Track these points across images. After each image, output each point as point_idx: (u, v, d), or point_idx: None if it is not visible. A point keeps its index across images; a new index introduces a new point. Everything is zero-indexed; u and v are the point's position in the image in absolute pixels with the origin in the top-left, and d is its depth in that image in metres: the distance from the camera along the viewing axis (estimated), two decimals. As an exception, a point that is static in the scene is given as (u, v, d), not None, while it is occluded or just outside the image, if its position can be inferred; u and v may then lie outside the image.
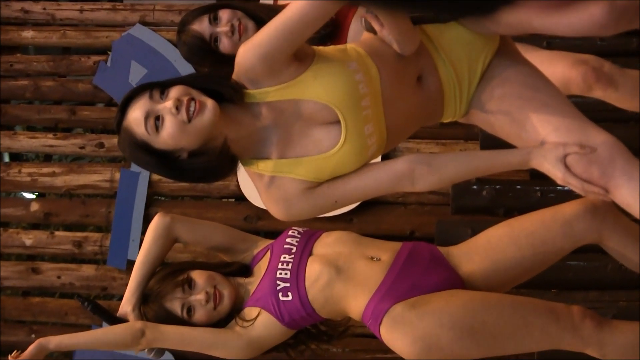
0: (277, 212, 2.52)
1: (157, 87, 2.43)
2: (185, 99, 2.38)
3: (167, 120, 2.38)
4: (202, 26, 3.10)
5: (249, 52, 2.39)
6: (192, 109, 2.37)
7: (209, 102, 2.38)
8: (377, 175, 2.52)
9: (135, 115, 2.42)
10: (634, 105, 3.12)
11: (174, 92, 2.41)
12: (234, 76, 2.46)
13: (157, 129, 2.39)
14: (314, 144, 2.47)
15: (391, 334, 2.83)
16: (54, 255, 5.17)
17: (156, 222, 3.05)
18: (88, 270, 5.02)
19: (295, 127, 2.48)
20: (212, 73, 2.53)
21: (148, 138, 2.40)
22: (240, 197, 4.89)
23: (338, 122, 2.45)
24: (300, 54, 2.42)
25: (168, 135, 2.38)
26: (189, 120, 2.38)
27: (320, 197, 2.50)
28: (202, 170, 2.45)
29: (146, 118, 2.40)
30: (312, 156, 2.47)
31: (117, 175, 5.06)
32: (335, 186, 2.51)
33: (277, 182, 2.49)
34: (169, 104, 2.39)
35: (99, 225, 5.18)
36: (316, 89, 2.43)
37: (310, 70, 2.43)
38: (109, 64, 5.28)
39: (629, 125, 4.32)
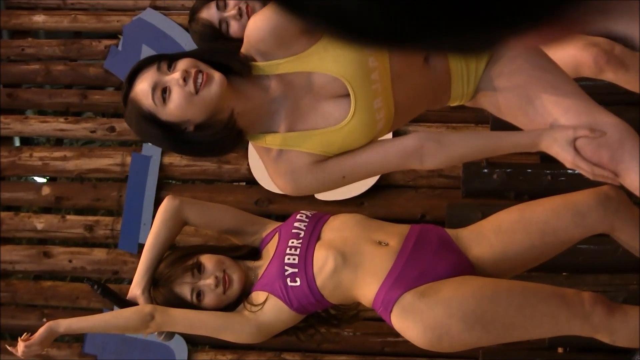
0: (284, 186, 2.51)
1: (165, 59, 2.43)
2: (193, 71, 2.38)
3: (174, 92, 2.39)
4: (210, 13, 3.11)
5: (259, 23, 2.38)
6: (199, 80, 2.38)
7: (217, 75, 2.38)
8: (386, 151, 2.51)
9: (143, 87, 2.42)
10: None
11: (182, 64, 2.41)
12: (243, 49, 2.46)
13: (164, 100, 2.39)
14: (323, 117, 2.46)
15: (402, 323, 2.82)
16: (65, 239, 5.18)
17: (165, 205, 3.05)
18: (99, 254, 5.03)
19: (304, 100, 2.47)
20: (220, 46, 2.53)
21: (155, 109, 2.40)
22: (252, 181, 4.89)
23: (347, 95, 2.45)
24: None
25: (175, 107, 2.39)
26: (196, 91, 2.38)
27: (328, 171, 2.49)
28: (208, 143, 2.44)
29: (153, 89, 2.40)
30: (321, 129, 2.46)
31: (128, 159, 5.06)
32: (343, 161, 2.50)
33: (284, 155, 2.48)
34: (176, 75, 2.39)
35: (110, 209, 5.19)
36: (326, 61, 2.42)
37: (321, 42, 2.43)
38: (120, 48, 5.27)
39: (639, 108, 4.29)
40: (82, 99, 5.32)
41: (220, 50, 2.51)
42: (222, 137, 2.44)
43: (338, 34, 0.76)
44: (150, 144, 4.86)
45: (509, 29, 0.73)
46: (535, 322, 2.78)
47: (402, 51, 2.23)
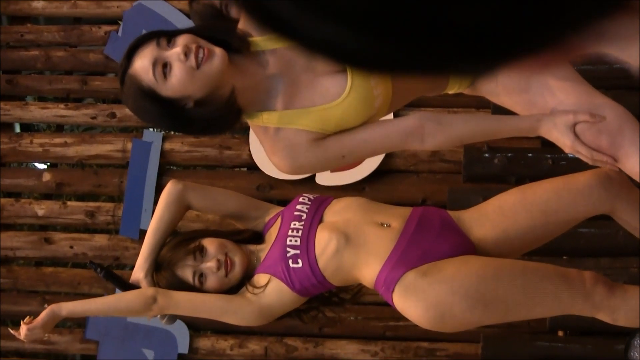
0: (282, 164, 2.50)
1: (164, 35, 2.43)
2: (193, 46, 2.37)
3: (175, 67, 2.38)
4: None
5: None
6: (200, 55, 2.37)
7: (218, 50, 2.38)
8: (386, 131, 2.51)
9: (142, 63, 2.41)
10: None
11: (182, 39, 2.40)
12: (241, 25, 2.45)
13: (165, 75, 2.39)
14: (320, 94, 2.46)
15: (404, 302, 2.82)
16: (67, 225, 5.18)
17: (169, 189, 3.04)
18: (100, 240, 5.03)
19: (301, 77, 2.47)
20: (218, 23, 2.52)
21: (155, 85, 2.39)
22: (253, 167, 4.88)
23: (344, 70, 2.44)
24: None
25: (177, 81, 2.38)
26: (198, 66, 2.37)
27: (327, 150, 2.48)
28: (208, 120, 2.43)
29: (154, 65, 2.39)
30: (318, 106, 2.46)
31: (129, 145, 5.05)
32: (343, 140, 2.49)
33: (282, 133, 2.48)
34: (177, 50, 2.38)
35: (111, 195, 5.19)
36: None
37: None
38: (120, 34, 5.26)
39: (639, 92, 4.29)
40: (82, 85, 5.31)
41: (218, 27, 2.50)
42: (222, 113, 2.43)
43: (333, 62, 0.77)
44: (149, 125, 4.86)
45: (506, 59, 0.74)
46: (536, 301, 2.79)
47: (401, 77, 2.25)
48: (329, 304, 3.08)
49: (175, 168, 5.22)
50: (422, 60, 0.74)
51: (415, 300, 2.80)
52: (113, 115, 5.20)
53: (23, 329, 2.88)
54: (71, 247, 5.03)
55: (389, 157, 4.65)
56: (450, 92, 2.76)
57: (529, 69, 0.76)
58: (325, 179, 4.64)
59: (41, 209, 5.12)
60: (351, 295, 3.09)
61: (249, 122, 2.55)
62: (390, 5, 0.69)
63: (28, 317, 2.91)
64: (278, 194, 4.79)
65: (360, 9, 0.69)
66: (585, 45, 0.75)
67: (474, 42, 0.71)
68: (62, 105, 5.27)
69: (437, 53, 0.72)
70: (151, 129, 5.09)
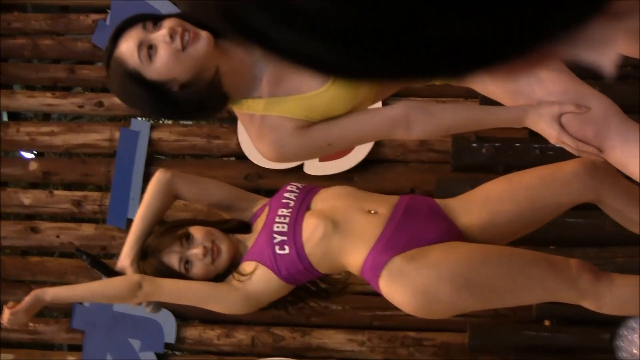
0: (267, 152, 2.50)
1: (151, 18, 2.42)
2: (179, 29, 2.37)
3: (161, 49, 2.37)
4: None
5: None
6: (186, 38, 2.36)
7: (203, 33, 2.37)
8: (372, 119, 2.51)
9: (128, 45, 2.40)
10: (634, 51, 3.06)
11: (168, 22, 2.39)
12: None
13: (151, 57, 2.38)
14: (306, 82, 2.45)
15: (390, 287, 2.82)
16: (53, 215, 5.16)
17: (157, 177, 3.04)
18: (87, 229, 5.01)
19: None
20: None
21: (140, 67, 2.39)
22: (241, 156, 4.87)
23: None
24: None
25: (162, 64, 2.37)
26: (183, 48, 2.37)
27: (313, 138, 2.48)
28: (193, 103, 2.42)
29: (139, 47, 2.39)
30: (304, 94, 2.45)
31: (117, 134, 5.03)
32: (329, 128, 2.48)
33: (268, 121, 2.47)
34: (163, 32, 2.37)
35: (98, 184, 5.17)
36: None
37: None
38: (108, 22, 5.24)
39: (627, 82, 4.30)
40: (70, 74, 5.28)
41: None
42: (206, 96, 2.42)
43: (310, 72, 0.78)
44: (136, 113, 4.85)
45: (483, 68, 0.75)
46: (522, 287, 2.80)
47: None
48: (315, 296, 3.07)
49: (163, 157, 5.20)
50: (399, 71, 0.75)
51: (402, 286, 2.80)
52: (100, 104, 5.18)
53: (6, 313, 2.88)
54: (58, 236, 5.01)
55: (377, 146, 4.65)
56: (437, 82, 2.76)
57: (506, 73, 0.77)
58: (313, 168, 4.64)
59: (27, 198, 5.10)
60: (338, 289, 3.09)
61: (235, 109, 2.54)
62: (368, 22, 0.69)
63: (11, 301, 2.90)
64: (266, 183, 4.78)
65: (340, 25, 0.70)
66: (560, 51, 0.76)
67: (451, 55, 0.72)
68: (49, 94, 5.25)
69: (412, 65, 0.73)
70: (139, 118, 5.08)
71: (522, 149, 4.25)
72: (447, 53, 0.72)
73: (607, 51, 0.79)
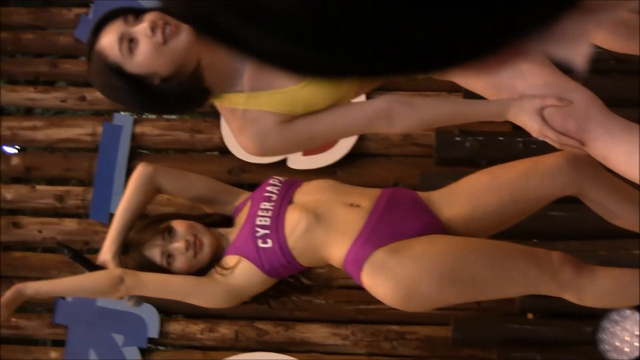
0: (249, 146, 2.50)
1: (132, 12, 2.41)
2: (161, 22, 2.36)
3: (142, 42, 2.37)
4: None
5: None
6: (167, 31, 2.36)
7: (185, 26, 2.37)
8: (354, 113, 2.51)
9: (109, 38, 2.39)
10: (617, 45, 3.07)
11: (150, 16, 2.39)
12: None
13: (131, 51, 2.37)
14: (287, 76, 2.45)
15: (372, 281, 2.82)
16: (36, 210, 5.13)
17: (139, 171, 3.03)
18: (70, 224, 4.99)
19: None
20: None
21: (121, 61, 2.38)
22: (225, 150, 4.87)
23: None
24: None
25: (143, 57, 2.36)
26: (165, 42, 2.36)
27: (295, 132, 2.48)
28: (174, 96, 2.42)
29: (120, 40, 2.38)
30: (285, 88, 2.45)
31: (100, 129, 5.02)
32: (311, 122, 2.48)
33: (249, 115, 2.47)
34: (144, 25, 2.37)
35: (81, 179, 5.15)
36: None
37: None
38: (90, 16, 5.22)
39: (609, 76, 4.32)
40: (52, 68, 5.26)
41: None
42: (188, 89, 2.42)
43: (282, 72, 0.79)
44: (119, 108, 4.83)
45: (455, 64, 0.75)
46: (504, 280, 2.81)
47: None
48: (297, 291, 3.07)
49: (146, 152, 5.19)
50: (365, 70, 0.76)
51: (384, 279, 2.80)
52: (83, 98, 5.16)
53: (-13, 308, 2.86)
54: (40, 231, 4.99)
55: (361, 140, 4.65)
56: (420, 76, 2.75)
57: (481, 69, 0.78)
58: (297, 162, 4.64)
59: (10, 193, 5.07)
60: (321, 284, 3.09)
61: (217, 103, 2.53)
62: (331, 22, 0.69)
63: (-8, 296, 2.89)
64: (250, 177, 4.77)
65: (304, 25, 0.70)
66: (533, 47, 0.76)
67: (422, 53, 0.72)
68: (31, 89, 5.23)
69: (380, 64, 0.74)
70: (122, 113, 5.06)
71: (506, 143, 4.26)
72: (418, 52, 0.72)
73: (578, 46, 0.80)
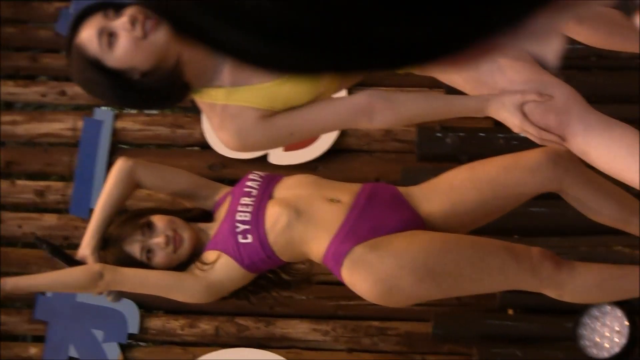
0: (230, 141, 2.49)
1: (112, 6, 2.41)
2: (140, 16, 2.35)
3: (121, 36, 2.36)
4: None
5: None
6: (147, 26, 2.35)
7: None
8: (335, 108, 2.51)
9: (89, 32, 2.38)
10: (598, 41, 3.08)
11: (130, 10, 2.38)
12: None
13: (111, 45, 2.36)
14: (264, 73, 2.44)
15: (352, 276, 2.83)
16: (16, 205, 5.10)
17: (118, 166, 3.02)
18: (50, 219, 4.97)
19: None
20: None
21: (101, 55, 2.37)
22: (205, 146, 4.85)
23: None
24: None
25: (122, 51, 2.36)
26: (145, 36, 2.35)
27: (276, 127, 2.47)
28: (153, 91, 2.41)
29: (100, 34, 2.37)
30: (265, 83, 2.45)
31: (80, 124, 5.00)
32: (291, 117, 2.48)
33: (230, 110, 2.46)
34: (124, 19, 2.36)
35: (61, 174, 5.13)
36: None
37: None
38: (71, 10, 5.19)
39: (590, 72, 4.33)
40: (32, 63, 5.24)
41: None
42: (167, 84, 2.41)
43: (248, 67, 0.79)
44: (100, 103, 4.81)
45: (426, 61, 0.75)
46: (484, 275, 2.81)
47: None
48: (277, 286, 3.07)
49: (127, 147, 5.17)
50: (344, 66, 0.76)
51: (364, 274, 2.80)
52: (63, 93, 5.13)
53: (-35, 304, 2.85)
54: (20, 226, 4.96)
55: (342, 136, 4.64)
56: (400, 71, 2.75)
57: (453, 65, 0.78)
58: (278, 158, 4.63)
59: (-11, 187, 5.05)
60: (300, 280, 3.09)
61: (196, 98, 2.53)
62: (308, 18, 0.69)
63: (-30, 291, 2.88)
64: (231, 173, 4.76)
65: (273, 21, 0.70)
66: (505, 44, 0.76)
67: (393, 50, 0.72)
68: (11, 83, 5.20)
69: (349, 60, 0.73)
70: (103, 108, 5.04)
71: (487, 139, 4.26)
72: (390, 48, 0.71)
73: (551, 42, 0.80)
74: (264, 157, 4.63)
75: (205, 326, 4.63)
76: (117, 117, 4.97)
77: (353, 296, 3.04)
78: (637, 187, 2.60)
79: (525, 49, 0.80)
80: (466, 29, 0.71)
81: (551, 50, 0.80)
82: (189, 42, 0.75)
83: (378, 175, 4.60)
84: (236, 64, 0.77)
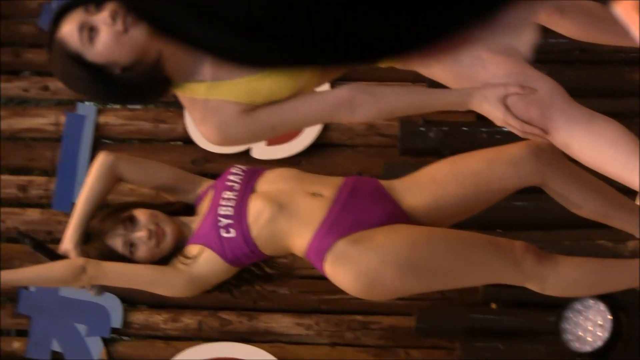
0: (211, 136, 2.49)
1: (93, 1, 2.40)
2: (122, 11, 2.35)
3: (102, 31, 2.36)
4: None
5: None
6: (128, 20, 2.35)
7: None
8: (316, 102, 2.51)
9: (70, 27, 2.38)
10: (581, 35, 3.08)
11: (111, 5, 2.38)
12: None
13: (92, 40, 2.36)
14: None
15: (335, 270, 2.83)
16: (-2, 200, 5.10)
17: (100, 160, 3.02)
18: (33, 214, 4.96)
19: None
20: None
21: (81, 49, 2.37)
22: (188, 140, 4.85)
23: None
24: None
25: (103, 45, 2.35)
26: (125, 30, 2.35)
27: (257, 121, 2.48)
28: (134, 86, 2.41)
29: (80, 29, 2.37)
30: (246, 77, 2.45)
31: (63, 119, 4.99)
32: (273, 111, 2.48)
33: (211, 105, 2.46)
34: (104, 14, 2.36)
35: (44, 169, 5.11)
36: None
37: None
38: (54, 6, 5.18)
39: (574, 66, 4.34)
40: (15, 58, 5.22)
41: None
42: (148, 79, 2.41)
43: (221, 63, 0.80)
44: (82, 98, 4.79)
45: (397, 54, 0.76)
46: (467, 269, 2.82)
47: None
48: (260, 280, 3.07)
49: (109, 142, 5.16)
50: (318, 60, 0.76)
51: (347, 268, 2.80)
52: (46, 88, 5.12)
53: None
54: (2, 221, 4.95)
55: (325, 130, 4.65)
56: (383, 65, 2.76)
57: (424, 58, 0.78)
58: (261, 152, 4.63)
59: (-29, 183, 5.03)
60: (282, 273, 3.09)
61: (178, 93, 2.53)
62: (279, 13, 0.70)
63: (-48, 286, 2.86)
64: (213, 167, 4.75)
65: (242, 17, 0.70)
66: (478, 36, 0.76)
67: (365, 44, 0.72)
68: (-7, 78, 5.18)
69: (320, 54, 0.74)
70: (85, 103, 5.03)
71: (470, 133, 4.27)
72: (361, 41, 0.72)
73: (523, 34, 0.81)
74: (247, 151, 4.63)
75: (189, 320, 4.62)
76: (99, 112, 4.96)
77: (336, 290, 3.04)
78: (619, 180, 2.61)
79: (499, 41, 0.81)
80: (438, 22, 0.72)
81: (524, 42, 0.80)
82: (167, 40, 0.76)
83: (361, 169, 4.61)
84: (214, 60, 0.77)
